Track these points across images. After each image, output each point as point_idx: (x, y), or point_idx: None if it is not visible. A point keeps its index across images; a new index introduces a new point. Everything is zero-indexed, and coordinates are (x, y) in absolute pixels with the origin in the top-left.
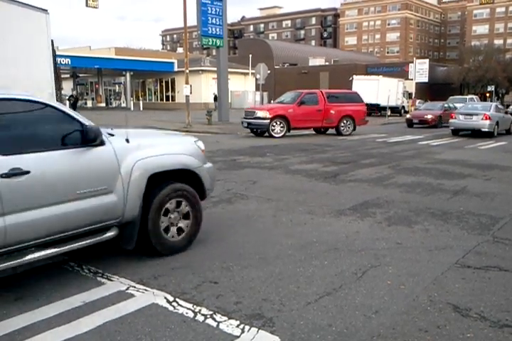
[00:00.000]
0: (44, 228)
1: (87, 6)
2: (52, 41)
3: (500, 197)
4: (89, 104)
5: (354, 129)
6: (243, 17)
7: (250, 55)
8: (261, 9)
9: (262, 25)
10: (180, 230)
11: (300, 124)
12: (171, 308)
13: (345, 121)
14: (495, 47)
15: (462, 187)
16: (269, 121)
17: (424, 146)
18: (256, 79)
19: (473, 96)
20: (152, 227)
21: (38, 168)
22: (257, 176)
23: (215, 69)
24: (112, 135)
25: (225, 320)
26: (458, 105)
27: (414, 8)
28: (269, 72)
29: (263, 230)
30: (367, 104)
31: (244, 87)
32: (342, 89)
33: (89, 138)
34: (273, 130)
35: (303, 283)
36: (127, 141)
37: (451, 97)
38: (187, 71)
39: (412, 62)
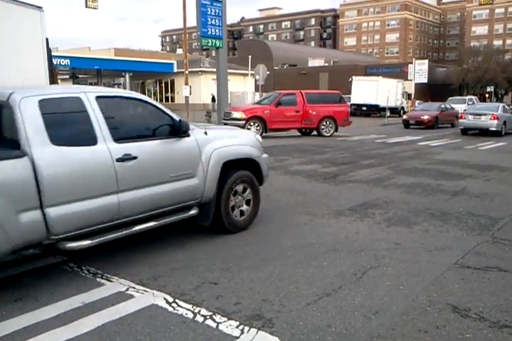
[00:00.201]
0: (146, 204)
1: (86, 6)
2: (47, 40)
3: (500, 197)
4: None
5: (336, 130)
6: (242, 18)
7: (250, 56)
8: (260, 10)
9: (261, 26)
10: (243, 211)
11: (277, 125)
12: (170, 309)
13: (326, 122)
14: (494, 48)
15: (462, 188)
16: (244, 122)
17: (423, 147)
18: (255, 80)
19: (473, 97)
20: (224, 207)
21: (143, 154)
22: None
23: (214, 70)
24: (193, 128)
25: (224, 321)
26: (456, 106)
27: (413, 9)
28: (268, 72)
29: (262, 231)
30: (366, 105)
31: (243, 88)
32: (324, 90)
33: (182, 131)
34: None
35: (302, 284)
36: (205, 133)
37: (450, 98)
38: (186, 72)
39: (412, 62)
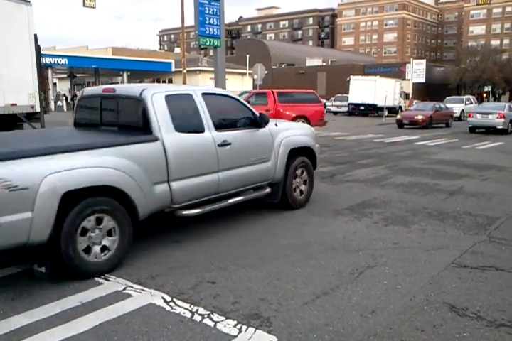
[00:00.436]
0: (236, 182)
1: (84, 5)
2: (35, 36)
3: (497, 197)
4: None
5: None
6: (240, 17)
7: (248, 55)
8: (258, 9)
9: (259, 26)
10: (302, 191)
11: None
12: (168, 308)
13: (298, 122)
14: (492, 47)
15: (459, 188)
16: None
17: (420, 146)
18: (253, 80)
19: (470, 97)
20: (289, 187)
21: (235, 141)
22: None
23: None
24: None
25: (222, 320)
26: (453, 105)
27: (411, 9)
28: (266, 72)
29: (261, 230)
30: (364, 105)
31: (241, 87)
32: (298, 89)
33: (262, 122)
34: None
35: (300, 283)
36: (276, 125)
37: (447, 97)
38: (184, 71)
39: (409, 62)
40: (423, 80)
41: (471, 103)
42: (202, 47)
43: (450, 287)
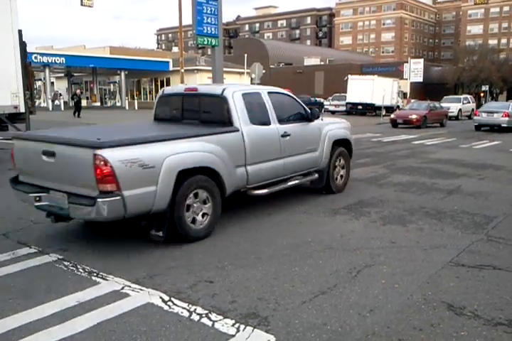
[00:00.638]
0: (294, 167)
1: (82, 4)
2: (20, 32)
3: (494, 196)
4: (84, 103)
5: None
6: (238, 16)
7: (245, 55)
8: (256, 9)
9: (257, 25)
10: (342, 177)
11: None
12: (166, 308)
13: None
14: (489, 47)
15: (456, 187)
16: None
17: (418, 146)
18: (251, 79)
19: (468, 96)
20: (332, 173)
21: (293, 132)
22: None
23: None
24: None
25: (220, 319)
26: (451, 105)
27: (409, 8)
28: (264, 71)
29: (258, 229)
30: (362, 104)
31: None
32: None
33: (312, 117)
34: None
35: (298, 282)
36: (322, 119)
37: (445, 97)
38: (182, 70)
39: (407, 61)
40: (421, 79)
41: (469, 102)
42: (200, 46)
43: (448, 286)
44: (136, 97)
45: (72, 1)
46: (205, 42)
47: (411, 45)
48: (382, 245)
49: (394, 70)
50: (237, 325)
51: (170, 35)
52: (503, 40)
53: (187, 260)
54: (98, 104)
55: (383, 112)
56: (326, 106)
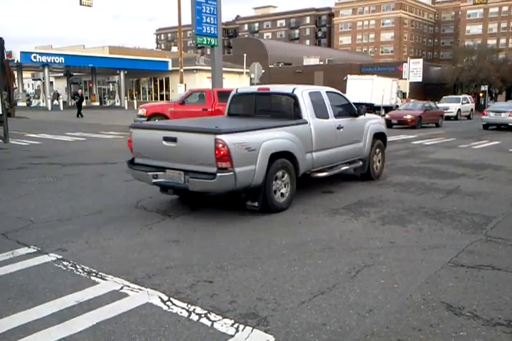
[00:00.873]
0: (346, 155)
1: (81, 4)
2: None
3: (493, 196)
4: (84, 103)
5: None
6: (238, 16)
7: (245, 54)
8: (255, 8)
9: (256, 25)
10: (377, 166)
11: None
12: (165, 308)
13: None
14: (488, 47)
15: (455, 187)
16: (146, 119)
17: (417, 146)
18: (250, 79)
19: (467, 96)
20: (372, 163)
21: (345, 125)
22: None
23: (209, 68)
24: None
25: (219, 319)
26: (450, 104)
27: (408, 8)
28: (263, 71)
29: (257, 229)
30: (361, 104)
31: (238, 86)
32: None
33: (359, 113)
34: None
35: (297, 282)
36: (364, 115)
37: (444, 97)
38: (181, 70)
39: (406, 61)
40: (420, 79)
41: (468, 102)
42: (199, 46)
43: (447, 286)
44: (135, 97)
45: (72, 1)
46: (205, 42)
47: (410, 45)
48: (382, 245)
49: (393, 70)
50: (236, 325)
51: (169, 34)
52: (502, 40)
53: (185, 260)
54: (97, 103)
55: (382, 112)
56: None
